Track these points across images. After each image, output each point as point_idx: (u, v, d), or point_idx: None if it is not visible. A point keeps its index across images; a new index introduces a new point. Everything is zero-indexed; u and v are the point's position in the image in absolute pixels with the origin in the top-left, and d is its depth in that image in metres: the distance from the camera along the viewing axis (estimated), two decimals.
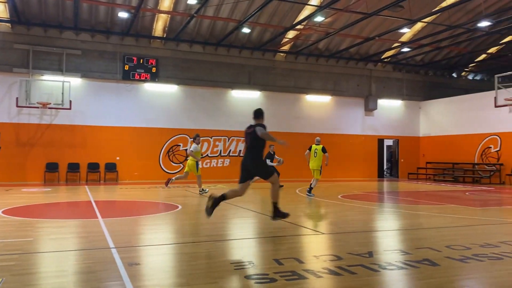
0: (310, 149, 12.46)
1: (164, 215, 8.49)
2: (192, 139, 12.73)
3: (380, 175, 23.60)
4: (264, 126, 6.67)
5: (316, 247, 5.75)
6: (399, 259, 4.80)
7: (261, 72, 20.95)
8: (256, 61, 20.82)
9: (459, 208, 10.19)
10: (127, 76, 18.32)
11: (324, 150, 12.09)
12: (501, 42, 21.77)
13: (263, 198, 11.94)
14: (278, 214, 6.73)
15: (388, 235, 6.83)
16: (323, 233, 6.65)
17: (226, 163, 20.17)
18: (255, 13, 16.27)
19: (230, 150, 20.23)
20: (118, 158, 18.34)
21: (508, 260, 4.78)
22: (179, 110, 19.47)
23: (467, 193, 14.13)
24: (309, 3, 16.87)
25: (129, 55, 18.40)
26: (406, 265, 4.54)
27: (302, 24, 17.70)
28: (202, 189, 12.47)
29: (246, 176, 6.72)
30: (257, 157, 6.77)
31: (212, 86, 19.95)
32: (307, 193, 12.06)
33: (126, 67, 18.30)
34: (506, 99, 14.47)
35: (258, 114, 6.95)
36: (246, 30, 18.37)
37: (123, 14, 16.56)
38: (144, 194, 13.01)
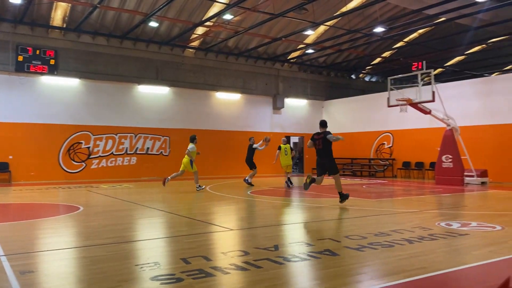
0: (279, 148, 15.10)
1: (64, 218, 7.94)
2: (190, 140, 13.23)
3: None
4: (330, 133, 9.14)
5: (224, 243, 5.79)
6: (302, 251, 5.02)
7: (170, 67, 20.53)
8: (164, 56, 20.34)
9: (357, 200, 10.95)
10: (21, 68, 16.74)
11: (292, 148, 14.37)
12: (393, 47, 23.80)
13: (171, 197, 11.74)
14: (343, 198, 9.33)
15: (293, 228, 7.11)
16: (232, 229, 6.72)
17: (133, 161, 19.45)
18: (163, 7, 15.88)
19: (137, 147, 19.53)
20: (11, 157, 16.74)
21: (398, 247, 5.25)
22: (81, 106, 18.31)
23: (364, 186, 15.24)
24: (218, 0, 16.89)
25: (23, 45, 16.84)
26: (309, 256, 4.76)
27: (211, 21, 17.67)
28: (199, 186, 12.96)
29: (321, 171, 9.33)
30: (330, 156, 9.27)
31: (117, 80, 19.07)
32: (289, 184, 14.69)
33: (20, 58, 16.70)
34: (397, 100, 15.84)
35: (324, 124, 9.50)
36: (153, 24, 17.86)
37: (15, 0, 15.10)
38: (41, 195, 12.03)
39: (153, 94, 19.99)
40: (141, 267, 4.32)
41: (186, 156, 12.81)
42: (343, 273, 4.18)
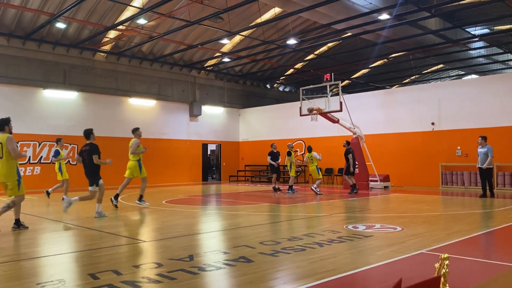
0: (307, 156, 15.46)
1: None
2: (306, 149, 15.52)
3: (204, 178, 24.37)
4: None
5: (136, 256, 5.58)
6: (218, 259, 5.01)
7: (79, 71, 19.42)
8: (73, 59, 19.19)
9: (272, 206, 11.22)
10: None
11: (316, 155, 15.14)
12: (305, 59, 24.89)
13: (79, 209, 11.08)
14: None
15: (209, 237, 7.07)
16: (145, 241, 6.51)
17: (37, 171, 18.01)
18: (71, 8, 15.02)
19: (42, 156, 18.13)
20: None
21: (310, 250, 5.46)
22: None
23: (278, 192, 15.64)
24: (131, 4, 16.40)
25: None
26: (224, 264, 4.76)
27: (124, 24, 17.09)
28: (317, 189, 14.67)
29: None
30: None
31: (19, 84, 17.60)
32: (317, 193, 14.54)
33: None
34: (308, 109, 16.54)
35: (348, 143, 14.93)
36: (61, 25, 16.80)
37: None
38: None
39: (60, 99, 18.75)
40: (43, 286, 4.00)
41: (311, 164, 14.71)
42: (257, 279, 4.24)
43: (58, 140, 12.87)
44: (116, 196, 10.66)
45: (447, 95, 17.71)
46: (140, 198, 10.85)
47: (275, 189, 15.62)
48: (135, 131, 11.09)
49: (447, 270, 1.86)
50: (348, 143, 15.43)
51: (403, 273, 4.39)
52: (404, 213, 9.40)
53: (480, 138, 12.72)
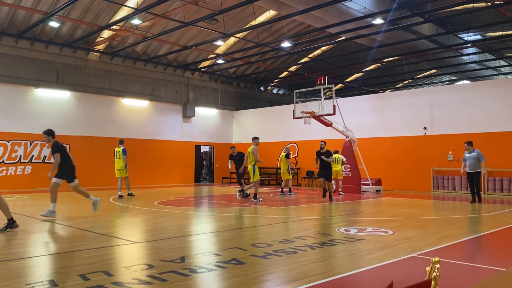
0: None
1: None
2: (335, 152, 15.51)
3: (197, 180, 24.31)
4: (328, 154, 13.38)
5: (127, 257, 5.55)
6: (209, 261, 5.00)
7: (72, 70, 19.31)
8: (66, 58, 19.08)
9: (259, 208, 11.21)
10: None
11: (343, 158, 15.73)
12: (299, 62, 24.95)
13: (70, 209, 11.01)
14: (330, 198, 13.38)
15: (201, 239, 7.05)
16: (136, 242, 6.47)
17: (28, 171, 17.86)
18: (65, 7, 14.95)
19: (33, 156, 17.98)
20: None
21: (301, 253, 5.46)
22: None
23: (271, 195, 15.65)
24: (126, 4, 16.35)
25: None
26: (216, 266, 4.75)
27: (118, 24, 17.02)
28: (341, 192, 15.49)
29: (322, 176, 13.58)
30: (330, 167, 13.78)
31: (10, 83, 17.45)
32: (340, 192, 15.11)
33: None
34: (302, 112, 16.58)
35: (326, 148, 13.53)
36: (54, 24, 16.70)
37: None
38: None
39: (53, 99, 18.62)
40: (33, 286, 3.96)
41: (336, 164, 15.09)
42: (248, 281, 4.23)
43: (122, 141, 14.35)
44: (242, 190, 13.51)
45: (439, 100, 17.84)
46: (255, 196, 12.68)
47: (240, 191, 14.00)
48: (255, 139, 12.77)
49: (438, 273, 1.87)
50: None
51: (394, 277, 4.41)
52: (395, 217, 9.44)
53: (466, 144, 12.62)
